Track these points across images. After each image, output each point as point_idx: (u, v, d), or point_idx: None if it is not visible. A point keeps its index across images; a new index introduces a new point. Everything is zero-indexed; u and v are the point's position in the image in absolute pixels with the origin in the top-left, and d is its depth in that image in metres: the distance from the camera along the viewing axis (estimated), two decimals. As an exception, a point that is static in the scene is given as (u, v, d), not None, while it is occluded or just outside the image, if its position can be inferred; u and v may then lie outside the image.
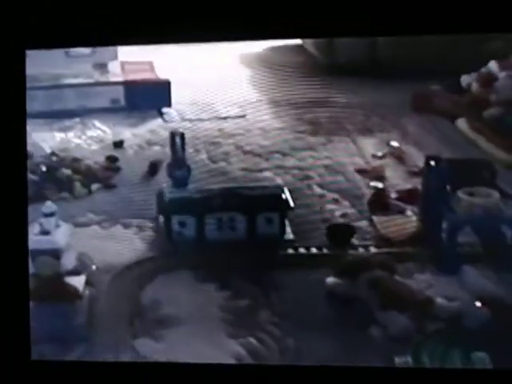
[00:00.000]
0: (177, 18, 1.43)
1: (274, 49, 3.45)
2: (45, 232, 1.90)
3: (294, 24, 1.43)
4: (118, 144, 2.84)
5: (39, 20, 1.46)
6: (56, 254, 1.84)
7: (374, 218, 2.17)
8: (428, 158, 2.10)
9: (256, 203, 2.06)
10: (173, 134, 2.33)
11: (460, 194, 1.98)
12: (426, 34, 1.45)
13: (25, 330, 1.51)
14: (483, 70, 2.76)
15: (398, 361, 1.56)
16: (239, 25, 1.43)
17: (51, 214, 1.93)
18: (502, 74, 2.67)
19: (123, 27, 1.44)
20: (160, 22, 1.44)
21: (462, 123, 2.72)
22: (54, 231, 1.90)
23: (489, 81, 2.69)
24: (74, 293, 1.75)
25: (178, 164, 2.28)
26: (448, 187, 2.02)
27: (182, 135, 2.31)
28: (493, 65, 2.76)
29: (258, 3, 1.42)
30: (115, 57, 3.31)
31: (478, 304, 1.63)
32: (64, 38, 1.46)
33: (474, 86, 2.74)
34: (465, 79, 2.84)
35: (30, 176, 2.27)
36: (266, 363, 1.57)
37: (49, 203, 1.99)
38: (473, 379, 1.46)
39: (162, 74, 3.25)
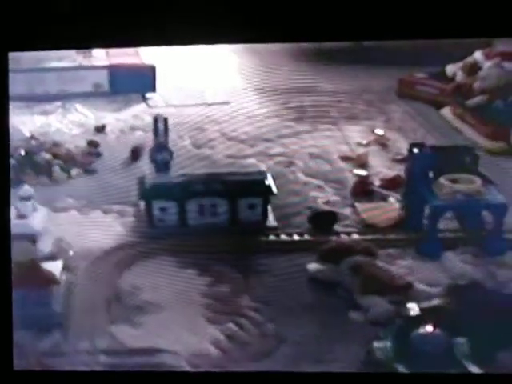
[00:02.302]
0: (152, 21, 1.42)
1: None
2: (21, 216, 1.86)
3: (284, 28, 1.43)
4: (100, 129, 2.80)
5: (21, 23, 1.44)
6: (32, 238, 1.81)
7: (357, 204, 2.17)
8: (411, 145, 2.10)
9: (238, 188, 2.05)
10: (156, 119, 2.31)
11: (443, 180, 1.98)
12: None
13: (7, 341, 1.48)
14: (468, 59, 2.75)
15: (377, 345, 1.56)
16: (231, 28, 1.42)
17: (28, 198, 1.90)
18: (486, 64, 2.67)
19: (105, 30, 1.43)
20: (142, 25, 1.44)
21: (446, 111, 2.72)
22: (30, 215, 1.87)
23: (473, 70, 2.69)
24: (50, 278, 1.72)
25: (161, 148, 2.26)
26: (431, 173, 2.02)
27: (165, 120, 2.29)
28: (478, 54, 2.76)
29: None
30: (99, 41, 3.25)
31: (429, 329, 1.58)
32: (46, 40, 1.45)
33: (459, 75, 2.74)
34: (450, 68, 2.83)
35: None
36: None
37: (26, 187, 1.96)
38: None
39: (147, 59, 3.21)
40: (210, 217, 2.04)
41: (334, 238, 2.00)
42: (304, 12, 1.43)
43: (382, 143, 2.56)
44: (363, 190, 2.24)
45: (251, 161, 2.47)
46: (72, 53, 3.22)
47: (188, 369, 1.56)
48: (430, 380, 1.48)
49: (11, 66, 1.47)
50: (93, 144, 2.64)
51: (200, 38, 1.46)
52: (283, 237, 2.03)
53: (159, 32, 1.46)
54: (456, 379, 1.48)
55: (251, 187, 2.07)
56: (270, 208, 2.11)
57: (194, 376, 1.49)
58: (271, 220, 2.09)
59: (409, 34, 1.48)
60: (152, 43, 1.50)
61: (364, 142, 2.58)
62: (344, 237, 2.01)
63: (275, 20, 1.45)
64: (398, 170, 2.30)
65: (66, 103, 2.97)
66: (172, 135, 2.48)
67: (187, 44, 1.49)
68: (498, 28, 1.43)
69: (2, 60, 1.48)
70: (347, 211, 2.15)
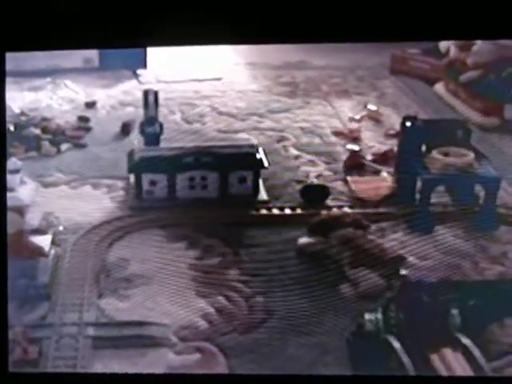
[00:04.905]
0: (143, 21, 1.41)
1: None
2: (9, 189, 1.84)
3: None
4: (91, 104, 2.78)
5: (19, 23, 1.43)
6: (20, 210, 1.79)
7: (349, 178, 2.15)
8: (404, 119, 2.08)
9: (229, 161, 2.03)
10: (146, 92, 2.29)
11: (435, 153, 1.96)
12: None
13: (2, 344, 1.46)
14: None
15: (368, 317, 1.55)
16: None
17: (16, 171, 1.88)
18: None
19: (103, 30, 1.42)
20: (142, 25, 1.43)
21: (439, 87, 2.70)
22: (18, 188, 1.85)
23: (467, 45, 2.66)
24: (38, 251, 1.71)
25: (151, 121, 2.24)
26: (423, 147, 2.00)
27: (156, 93, 2.27)
28: (473, 29, 2.72)
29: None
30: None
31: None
32: (44, 40, 1.43)
33: (453, 50, 2.71)
34: (443, 43, 2.80)
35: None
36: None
37: (13, 160, 1.92)
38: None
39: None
40: (200, 190, 2.02)
41: (325, 211, 1.98)
42: (305, 12, 1.42)
43: (374, 118, 2.54)
44: (355, 165, 2.23)
45: (242, 135, 2.45)
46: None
47: (175, 341, 1.56)
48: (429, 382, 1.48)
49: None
50: (83, 119, 2.62)
51: (201, 39, 1.45)
52: (275, 211, 2.01)
53: (160, 32, 1.45)
54: (458, 382, 1.47)
55: (242, 160, 2.04)
56: (261, 182, 2.09)
57: (191, 378, 1.48)
58: (262, 194, 2.07)
59: (411, 35, 1.48)
60: (152, 43, 1.49)
61: (357, 117, 2.56)
62: (336, 211, 2.00)
63: (277, 20, 1.44)
64: (391, 145, 2.29)
65: (55, 79, 2.94)
66: (163, 110, 2.46)
67: (188, 44, 1.48)
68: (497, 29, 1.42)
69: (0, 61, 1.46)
70: (339, 185, 2.14)
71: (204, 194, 2.02)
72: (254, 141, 2.29)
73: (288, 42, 1.55)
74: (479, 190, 1.96)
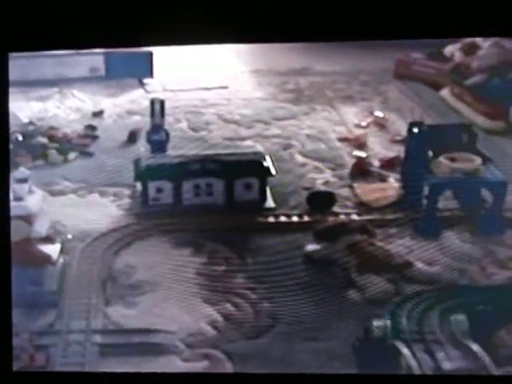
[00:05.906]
0: (140, 20, 1.42)
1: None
2: (17, 198, 1.85)
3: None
4: (98, 113, 2.80)
5: (21, 23, 1.44)
6: (28, 219, 1.80)
7: (355, 185, 2.15)
8: (410, 124, 2.08)
9: (235, 168, 2.03)
10: (152, 101, 2.31)
11: (441, 159, 1.96)
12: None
13: (6, 342, 1.47)
14: (467, 39, 2.72)
15: (376, 324, 1.55)
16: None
17: (24, 180, 1.89)
18: (486, 43, 2.64)
19: (105, 30, 1.43)
20: (143, 24, 1.44)
21: (445, 92, 2.69)
22: (26, 197, 1.86)
23: (472, 49, 2.66)
24: (45, 258, 1.72)
25: (157, 129, 2.26)
26: (430, 152, 2.00)
27: (162, 102, 2.29)
28: (477, 34, 2.72)
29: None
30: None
31: None
32: (46, 40, 1.45)
33: (457, 54, 2.71)
34: (448, 48, 2.80)
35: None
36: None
37: (21, 169, 1.95)
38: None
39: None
40: (206, 197, 2.03)
41: (332, 218, 1.98)
42: (306, 11, 1.43)
43: (380, 124, 2.54)
44: (362, 171, 2.23)
45: (248, 143, 2.46)
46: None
47: (183, 348, 1.56)
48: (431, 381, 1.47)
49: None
50: (90, 128, 2.64)
51: (202, 38, 1.46)
52: (282, 218, 2.01)
53: (159, 32, 1.46)
54: (458, 379, 1.46)
55: (248, 167, 2.05)
56: (268, 189, 2.09)
57: (192, 377, 1.48)
58: (269, 201, 2.07)
59: (414, 33, 1.49)
60: (152, 43, 1.51)
61: (363, 123, 2.56)
62: (342, 217, 2.00)
63: (278, 20, 1.46)
64: (397, 151, 2.29)
65: (62, 89, 2.96)
66: (169, 118, 2.47)
67: (188, 44, 1.48)
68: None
69: (2, 60, 1.48)
70: (346, 192, 2.14)
71: (210, 200, 2.03)
72: (260, 148, 2.29)
73: (290, 41, 1.56)
74: (486, 195, 1.96)
